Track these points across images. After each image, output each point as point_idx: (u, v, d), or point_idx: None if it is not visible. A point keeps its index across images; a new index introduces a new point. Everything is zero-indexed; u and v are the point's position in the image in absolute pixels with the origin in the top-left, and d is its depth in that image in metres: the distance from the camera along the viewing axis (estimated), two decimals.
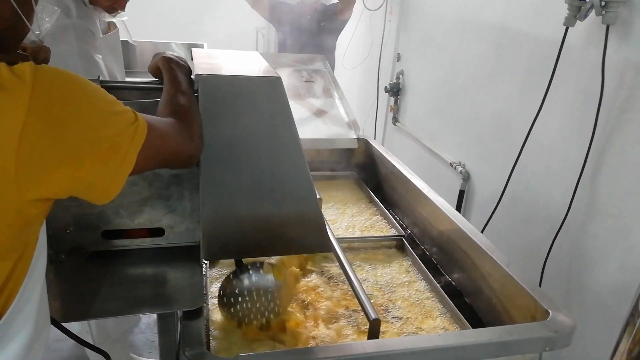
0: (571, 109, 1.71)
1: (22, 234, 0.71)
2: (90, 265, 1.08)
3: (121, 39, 2.06)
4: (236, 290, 1.08)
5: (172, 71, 1.03)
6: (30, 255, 0.74)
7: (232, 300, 1.08)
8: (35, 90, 0.64)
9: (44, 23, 0.88)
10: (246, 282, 1.09)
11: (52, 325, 0.88)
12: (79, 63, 1.65)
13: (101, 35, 1.85)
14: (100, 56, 1.75)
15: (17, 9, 0.74)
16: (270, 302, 1.09)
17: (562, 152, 1.75)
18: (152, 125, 0.80)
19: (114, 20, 1.92)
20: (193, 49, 1.22)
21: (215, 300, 1.12)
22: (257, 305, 1.08)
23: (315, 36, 3.02)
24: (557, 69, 1.70)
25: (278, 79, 0.97)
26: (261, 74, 1.00)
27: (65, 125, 0.67)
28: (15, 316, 0.71)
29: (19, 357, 0.73)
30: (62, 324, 0.91)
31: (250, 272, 1.10)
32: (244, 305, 1.07)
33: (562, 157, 1.75)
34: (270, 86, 0.97)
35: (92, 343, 1.93)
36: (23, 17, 0.75)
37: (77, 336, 0.95)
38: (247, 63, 1.15)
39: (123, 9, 1.83)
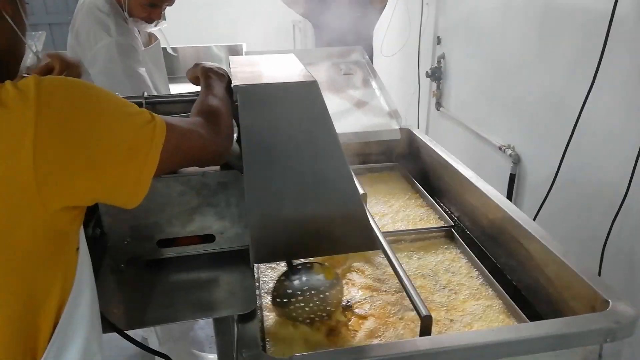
0: (625, 84, 1.62)
1: (59, 243, 0.71)
2: (147, 274, 1.13)
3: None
4: (288, 291, 1.11)
5: (208, 79, 1.06)
6: (74, 263, 0.75)
7: (285, 300, 1.10)
8: (41, 102, 0.64)
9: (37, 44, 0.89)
10: (297, 282, 1.11)
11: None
12: (124, 79, 1.72)
13: (143, 49, 1.91)
14: (144, 69, 1.81)
15: (14, 27, 0.74)
16: (323, 301, 1.10)
17: (618, 130, 1.67)
18: (170, 124, 0.79)
19: (154, 30, 1.98)
20: (230, 57, 1.24)
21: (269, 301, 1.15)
22: (310, 305, 1.10)
23: (352, 27, 2.99)
24: (607, 43, 1.61)
25: (314, 82, 0.98)
26: (297, 79, 1.01)
27: (77, 134, 0.67)
28: (68, 322, 0.74)
29: None
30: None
31: (301, 272, 1.13)
32: (297, 304, 1.10)
33: (618, 135, 1.66)
34: (307, 90, 0.98)
35: (157, 341, 2.04)
36: (19, 33, 0.76)
37: (138, 342, 1.00)
38: (283, 67, 1.16)
39: (159, 17, 1.87)
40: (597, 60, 1.64)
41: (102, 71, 1.74)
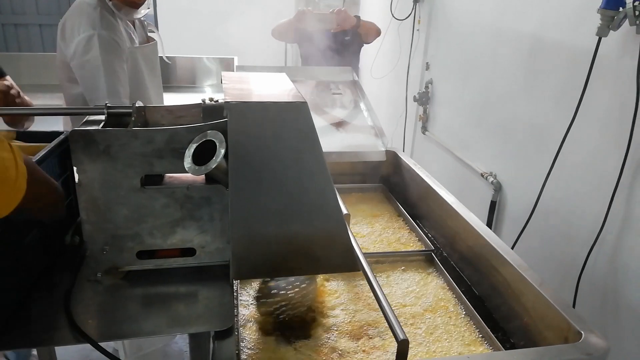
0: (606, 119, 1.67)
1: None
2: (124, 285, 1.11)
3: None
4: (273, 291, 1.20)
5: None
6: None
7: (268, 299, 1.20)
8: None
9: None
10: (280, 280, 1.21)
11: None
12: (100, 73, 1.71)
13: (134, 46, 1.90)
14: (124, 66, 1.80)
15: None
16: (302, 297, 1.20)
17: (597, 164, 1.71)
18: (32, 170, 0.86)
19: (155, 36, 1.98)
20: (223, 73, 1.25)
21: (246, 318, 1.14)
22: (290, 299, 1.20)
23: (339, 52, 3.04)
24: (590, 79, 1.66)
25: (304, 103, 0.99)
26: (287, 99, 1.02)
27: None
28: None
29: None
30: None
31: None
32: (278, 299, 1.20)
33: (597, 168, 1.71)
34: (297, 111, 0.99)
35: (124, 356, 2.00)
36: None
37: (110, 354, 0.98)
38: (274, 87, 1.17)
39: (143, 0, 1.87)
40: (580, 94, 1.69)
41: (79, 64, 1.74)
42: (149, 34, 2.11)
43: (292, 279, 1.24)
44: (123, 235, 1.10)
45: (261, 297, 1.23)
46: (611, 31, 1.55)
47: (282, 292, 1.21)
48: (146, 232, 1.10)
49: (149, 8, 1.95)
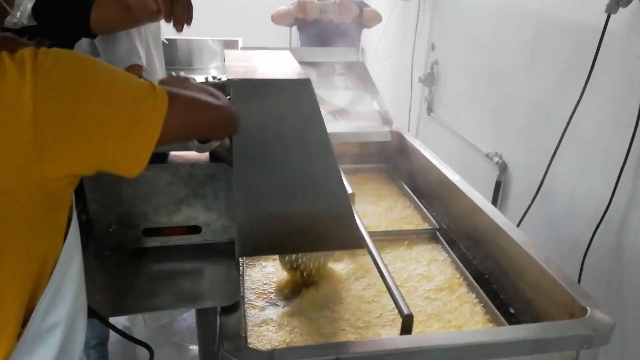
0: (613, 98, 1.65)
1: (55, 207, 0.73)
2: (131, 262, 1.13)
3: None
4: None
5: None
6: (64, 225, 0.77)
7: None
8: (38, 76, 0.64)
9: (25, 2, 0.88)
10: None
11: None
12: (117, 43, 1.67)
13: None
14: (138, 38, 1.78)
15: None
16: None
17: (604, 143, 1.70)
18: (173, 93, 0.77)
19: None
20: (226, 51, 1.24)
21: (252, 295, 1.15)
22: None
23: (339, 37, 3.02)
24: (598, 57, 1.64)
25: (307, 80, 0.98)
26: (291, 76, 1.02)
27: (75, 107, 0.67)
28: (61, 279, 0.76)
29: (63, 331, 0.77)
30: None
31: None
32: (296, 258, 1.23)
33: (604, 148, 1.69)
34: (300, 88, 0.99)
35: (144, 325, 2.03)
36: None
37: (119, 330, 1.00)
38: (278, 64, 1.17)
39: None
40: (587, 72, 1.67)
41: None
42: None
43: None
44: (129, 213, 1.11)
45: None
46: (620, 8, 1.53)
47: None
48: (152, 210, 1.11)
49: None
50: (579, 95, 1.71)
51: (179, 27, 1.17)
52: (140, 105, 0.72)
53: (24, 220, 0.69)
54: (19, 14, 0.87)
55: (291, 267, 1.26)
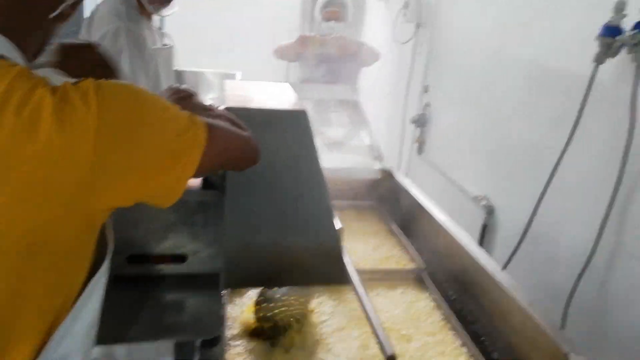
0: (600, 145, 1.69)
1: (91, 238, 0.73)
2: (111, 290, 1.10)
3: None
4: (271, 304, 1.20)
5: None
6: (92, 252, 0.76)
7: (263, 304, 1.20)
8: (102, 108, 0.64)
9: None
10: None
11: None
12: (126, 65, 1.69)
13: (153, 46, 1.90)
14: (146, 67, 1.80)
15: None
16: (297, 306, 1.21)
17: (590, 190, 1.72)
18: (212, 125, 0.78)
19: (166, 15, 1.99)
20: (225, 81, 1.26)
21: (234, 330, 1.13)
22: (284, 308, 1.21)
23: (338, 74, 3.11)
24: (586, 105, 1.69)
25: (304, 112, 1.00)
26: (288, 107, 1.03)
27: (132, 140, 0.68)
28: (85, 303, 0.75)
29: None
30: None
31: None
32: (273, 307, 1.20)
33: (590, 194, 1.72)
34: (297, 119, 1.00)
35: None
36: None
37: None
38: (276, 95, 1.18)
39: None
40: (576, 120, 1.72)
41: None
42: (164, 14, 2.11)
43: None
44: (116, 239, 1.09)
45: (263, 301, 1.21)
46: (608, 58, 1.58)
47: (285, 297, 1.22)
48: (139, 236, 1.10)
49: (177, 7, 1.95)
50: (566, 142, 1.75)
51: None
52: (182, 138, 0.73)
53: (63, 252, 0.68)
54: None
55: (264, 317, 1.21)
